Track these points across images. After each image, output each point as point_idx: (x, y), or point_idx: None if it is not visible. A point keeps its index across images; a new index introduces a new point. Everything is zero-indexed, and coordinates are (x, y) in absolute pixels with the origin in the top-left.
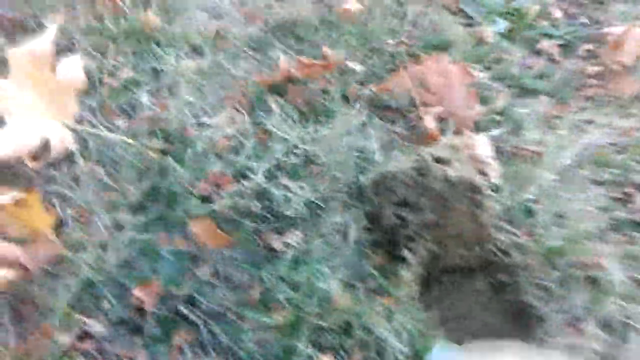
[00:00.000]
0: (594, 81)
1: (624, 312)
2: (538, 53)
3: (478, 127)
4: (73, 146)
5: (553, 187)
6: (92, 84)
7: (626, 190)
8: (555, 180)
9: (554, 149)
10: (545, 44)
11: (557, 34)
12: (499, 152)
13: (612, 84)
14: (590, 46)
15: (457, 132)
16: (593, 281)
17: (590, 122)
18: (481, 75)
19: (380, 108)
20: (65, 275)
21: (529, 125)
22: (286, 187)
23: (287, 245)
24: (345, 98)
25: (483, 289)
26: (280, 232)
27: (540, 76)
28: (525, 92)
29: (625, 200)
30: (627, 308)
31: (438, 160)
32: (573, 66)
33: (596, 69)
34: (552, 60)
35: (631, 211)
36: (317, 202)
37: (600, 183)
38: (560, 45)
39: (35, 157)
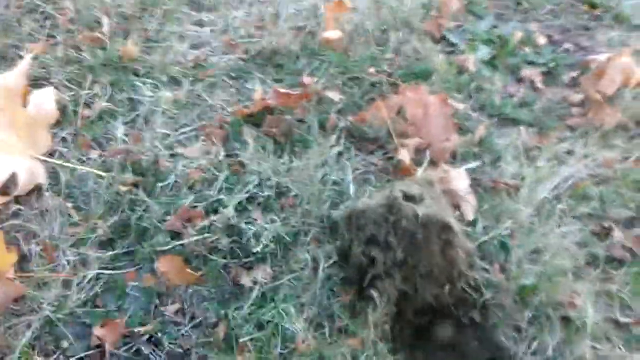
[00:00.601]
0: (577, 110)
1: (598, 354)
2: (520, 81)
3: (456, 159)
4: (43, 180)
5: (530, 222)
6: (67, 116)
7: (605, 224)
8: (532, 215)
9: (532, 182)
10: (528, 72)
11: (540, 61)
12: (477, 185)
13: (593, 114)
14: (574, 74)
15: (434, 165)
16: (567, 321)
17: (570, 153)
18: (461, 106)
19: (358, 139)
20: (26, 313)
21: (508, 157)
22: (257, 222)
23: (256, 282)
24: (323, 128)
25: (455, 330)
26: (249, 267)
27: (522, 105)
28: (506, 122)
29: (603, 235)
30: (601, 350)
31: (409, 197)
32: (556, 95)
33: (580, 97)
34: (534, 88)
35: (609, 247)
36: (287, 237)
37: (578, 217)
38: (543, 73)
39: (3, 192)
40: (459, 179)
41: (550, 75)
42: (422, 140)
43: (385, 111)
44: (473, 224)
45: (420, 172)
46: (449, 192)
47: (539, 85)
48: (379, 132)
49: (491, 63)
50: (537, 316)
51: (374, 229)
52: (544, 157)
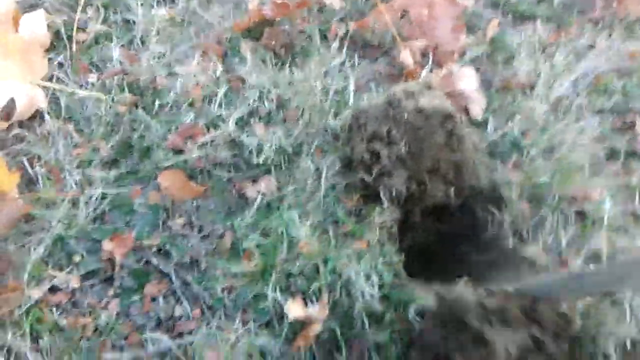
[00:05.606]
0: (600, 3)
1: (615, 246)
2: None
3: (464, 60)
4: (43, 104)
5: (544, 119)
6: (61, 40)
7: (627, 118)
8: (548, 112)
9: (547, 79)
10: None
11: None
12: (488, 85)
13: (618, 4)
14: None
15: (440, 66)
16: (582, 215)
17: (591, 46)
18: (471, 3)
19: (361, 46)
20: (36, 231)
21: (522, 55)
22: (259, 135)
23: (260, 193)
24: (325, 38)
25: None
26: (253, 180)
27: (540, 0)
28: (522, 18)
29: (625, 129)
30: (618, 242)
31: (409, 94)
32: None
33: None
34: None
35: (630, 141)
36: (290, 148)
37: (598, 112)
38: None
39: (4, 117)
40: (466, 78)
41: None
42: (428, 43)
43: (388, 15)
44: (484, 123)
45: (425, 74)
46: (455, 92)
47: None
48: (382, 37)
49: None
50: (552, 210)
51: (376, 124)
52: (562, 52)
